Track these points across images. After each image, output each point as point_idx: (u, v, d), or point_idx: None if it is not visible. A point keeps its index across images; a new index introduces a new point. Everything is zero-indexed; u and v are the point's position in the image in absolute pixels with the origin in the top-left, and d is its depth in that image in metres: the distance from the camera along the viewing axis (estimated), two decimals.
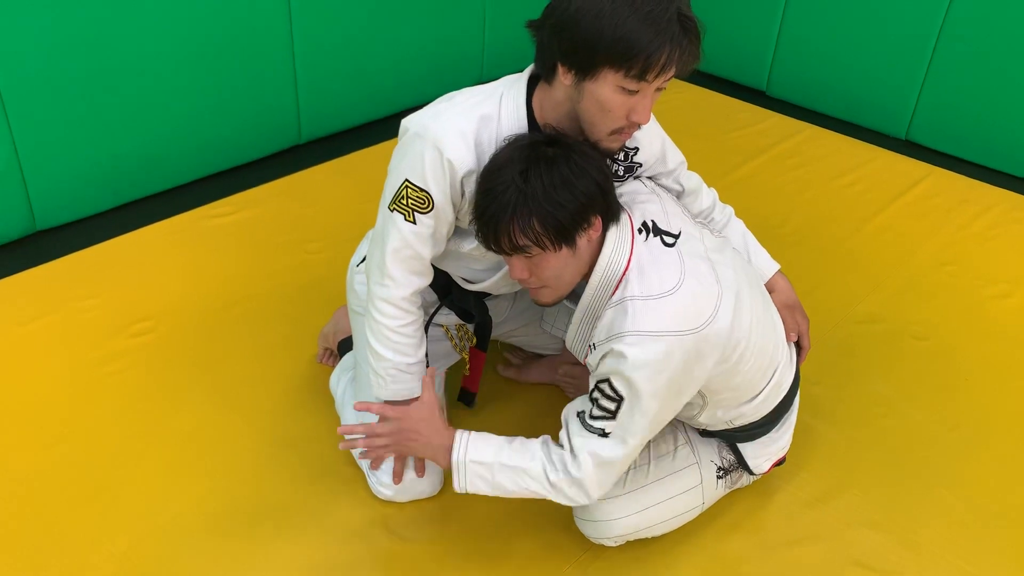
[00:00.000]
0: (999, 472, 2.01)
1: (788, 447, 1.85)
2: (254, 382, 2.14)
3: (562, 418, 1.60)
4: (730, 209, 1.91)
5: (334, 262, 2.45)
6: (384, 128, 3.33)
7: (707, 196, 1.89)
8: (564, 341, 2.08)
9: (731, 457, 1.80)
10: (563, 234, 1.47)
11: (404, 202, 1.57)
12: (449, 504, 1.86)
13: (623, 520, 1.69)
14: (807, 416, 2.05)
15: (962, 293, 2.57)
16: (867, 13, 3.38)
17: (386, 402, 1.69)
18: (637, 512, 1.69)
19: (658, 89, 1.47)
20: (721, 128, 3.42)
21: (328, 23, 3.04)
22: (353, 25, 3.11)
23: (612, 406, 1.51)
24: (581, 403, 1.58)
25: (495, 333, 1.99)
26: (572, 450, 1.54)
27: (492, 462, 1.56)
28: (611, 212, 1.54)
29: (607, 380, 1.51)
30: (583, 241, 1.51)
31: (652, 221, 1.59)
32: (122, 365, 2.17)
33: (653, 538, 1.76)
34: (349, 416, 1.94)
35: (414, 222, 1.59)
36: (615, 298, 1.52)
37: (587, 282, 1.57)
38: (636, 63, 1.40)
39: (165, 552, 1.74)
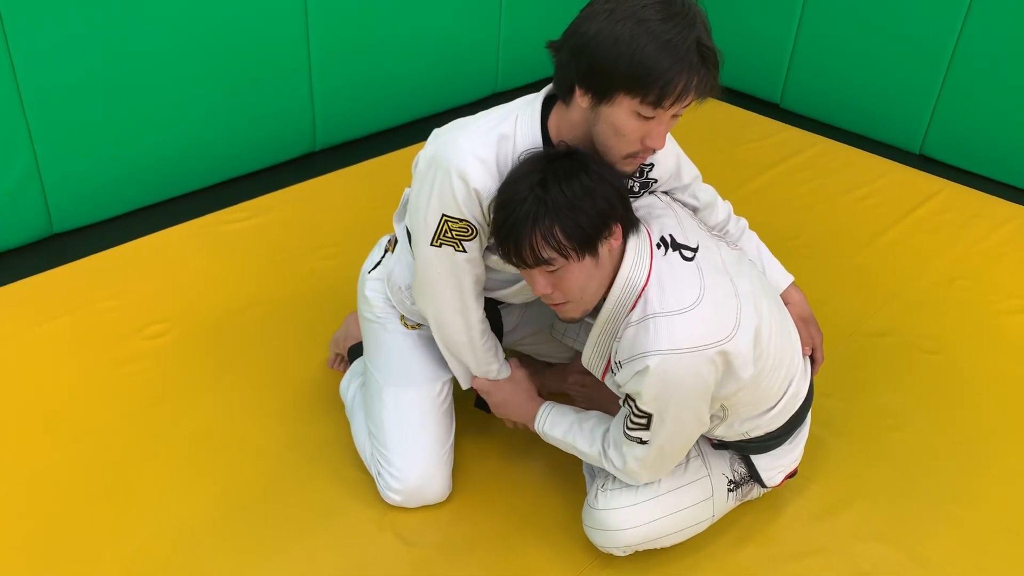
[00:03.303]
0: (1009, 487, 2.00)
1: (800, 459, 1.85)
2: (266, 386, 2.15)
3: (613, 422, 1.67)
4: (744, 221, 1.92)
5: (346, 268, 2.46)
6: (398, 136, 3.35)
7: (722, 209, 1.89)
8: (574, 350, 2.10)
9: (743, 470, 1.80)
10: (586, 242, 1.47)
11: (449, 235, 1.59)
12: (458, 510, 1.87)
13: (632, 530, 1.69)
14: (818, 428, 2.05)
15: (974, 308, 2.57)
16: (882, 27, 3.38)
17: None
18: (646, 523, 1.69)
19: (674, 116, 1.48)
20: (735, 140, 3.43)
21: (344, 32, 3.06)
22: (369, 34, 3.13)
23: (643, 420, 1.54)
24: (623, 409, 1.60)
25: (504, 341, 2.00)
26: (620, 453, 1.63)
27: (562, 440, 1.74)
28: (629, 221, 1.55)
29: (634, 400, 1.53)
30: (605, 250, 1.50)
31: (670, 235, 1.59)
32: (136, 367, 2.19)
33: (662, 549, 1.76)
34: (359, 421, 1.95)
35: (464, 251, 1.61)
36: (635, 315, 1.52)
37: (605, 297, 1.57)
38: (652, 90, 1.40)
39: (175, 552, 1.75)
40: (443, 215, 1.57)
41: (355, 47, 3.11)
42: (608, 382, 1.66)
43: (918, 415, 2.18)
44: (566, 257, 1.47)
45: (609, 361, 1.62)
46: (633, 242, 1.55)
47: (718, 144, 3.36)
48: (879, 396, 2.23)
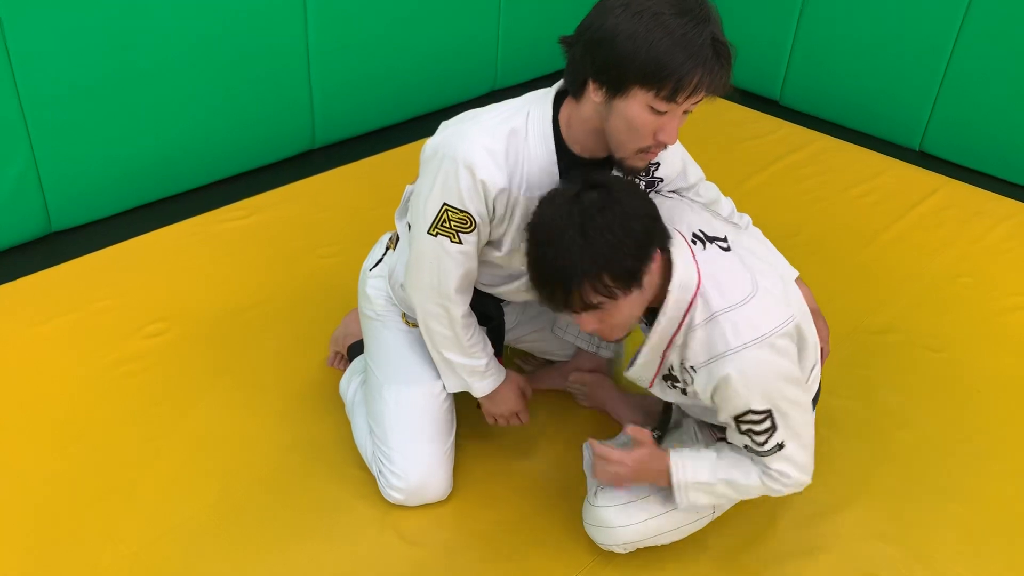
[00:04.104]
0: (1012, 485, 1.99)
1: None
2: (266, 385, 2.14)
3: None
4: (747, 218, 1.91)
5: (346, 267, 2.46)
6: (398, 134, 3.34)
7: (725, 206, 1.89)
8: (575, 347, 2.09)
9: None
10: (633, 279, 1.44)
11: (447, 225, 1.58)
12: (459, 509, 1.86)
13: (632, 527, 1.68)
14: (820, 426, 2.03)
15: (976, 305, 2.56)
16: (882, 23, 3.38)
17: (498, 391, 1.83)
18: (646, 519, 1.69)
19: (686, 111, 1.48)
20: (735, 138, 3.42)
21: (343, 30, 3.05)
22: (368, 31, 3.12)
23: (767, 424, 1.52)
24: (739, 439, 1.57)
25: (506, 339, 1.99)
26: (771, 472, 1.58)
27: (713, 481, 1.61)
28: (665, 236, 1.52)
29: (743, 412, 1.51)
30: (647, 278, 1.48)
31: (700, 231, 1.59)
32: (135, 367, 2.18)
33: (663, 546, 1.75)
34: (360, 419, 1.95)
35: (460, 243, 1.60)
36: (697, 317, 1.50)
37: (657, 311, 1.54)
38: (667, 84, 1.40)
39: (175, 554, 1.74)
40: (444, 204, 1.57)
41: (354, 44, 3.10)
42: (656, 390, 1.64)
43: (921, 413, 2.17)
44: (615, 299, 1.45)
45: (658, 370, 1.60)
46: (675, 250, 1.52)
47: (717, 141, 3.35)
48: (882, 394, 2.22)
